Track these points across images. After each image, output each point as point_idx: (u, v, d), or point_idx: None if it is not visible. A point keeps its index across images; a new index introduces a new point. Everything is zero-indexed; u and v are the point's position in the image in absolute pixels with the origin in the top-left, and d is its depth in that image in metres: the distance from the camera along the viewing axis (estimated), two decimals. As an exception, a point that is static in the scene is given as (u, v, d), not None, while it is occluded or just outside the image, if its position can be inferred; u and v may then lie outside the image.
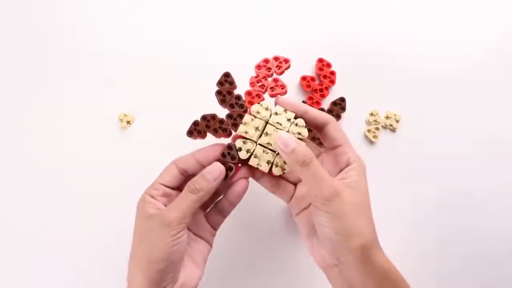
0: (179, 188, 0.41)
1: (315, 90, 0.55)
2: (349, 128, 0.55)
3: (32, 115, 0.56)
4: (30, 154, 0.55)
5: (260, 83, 0.42)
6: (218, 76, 0.41)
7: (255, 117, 0.39)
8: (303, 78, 0.55)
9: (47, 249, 0.53)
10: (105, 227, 0.53)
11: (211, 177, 0.39)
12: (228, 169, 0.40)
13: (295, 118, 0.39)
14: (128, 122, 0.55)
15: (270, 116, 0.40)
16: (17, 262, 0.53)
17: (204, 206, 0.43)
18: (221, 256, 0.53)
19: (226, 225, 0.53)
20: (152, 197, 0.39)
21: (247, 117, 0.39)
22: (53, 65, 0.57)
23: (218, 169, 0.39)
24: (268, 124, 0.39)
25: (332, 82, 0.55)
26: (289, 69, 0.44)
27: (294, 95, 0.56)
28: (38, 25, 0.58)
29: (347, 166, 0.39)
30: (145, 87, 0.57)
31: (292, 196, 0.42)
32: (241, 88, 0.42)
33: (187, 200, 0.38)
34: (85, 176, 0.55)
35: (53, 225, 0.53)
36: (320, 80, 0.56)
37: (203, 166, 0.40)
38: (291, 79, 0.55)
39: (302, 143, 0.37)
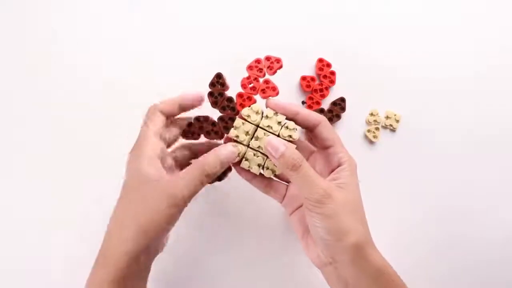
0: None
1: (315, 90, 0.55)
2: (349, 128, 0.55)
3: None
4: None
5: (251, 85, 0.41)
6: (211, 76, 0.41)
7: (246, 120, 0.39)
8: (303, 78, 0.56)
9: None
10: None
11: (226, 163, 0.38)
12: (228, 168, 0.41)
13: (287, 119, 0.40)
14: None
15: (261, 119, 0.40)
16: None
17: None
18: (219, 254, 0.53)
19: (225, 222, 0.54)
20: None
21: (237, 121, 0.39)
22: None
23: (232, 154, 0.38)
24: (258, 128, 0.40)
25: (332, 82, 0.55)
26: (286, 70, 0.43)
27: (294, 95, 0.56)
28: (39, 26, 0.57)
29: (339, 166, 0.39)
30: (136, 89, 0.54)
31: (285, 196, 0.43)
32: (235, 90, 0.42)
33: (199, 182, 0.36)
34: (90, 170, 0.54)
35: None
36: (320, 80, 0.56)
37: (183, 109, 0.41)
38: (291, 79, 0.56)
39: (292, 147, 0.37)
